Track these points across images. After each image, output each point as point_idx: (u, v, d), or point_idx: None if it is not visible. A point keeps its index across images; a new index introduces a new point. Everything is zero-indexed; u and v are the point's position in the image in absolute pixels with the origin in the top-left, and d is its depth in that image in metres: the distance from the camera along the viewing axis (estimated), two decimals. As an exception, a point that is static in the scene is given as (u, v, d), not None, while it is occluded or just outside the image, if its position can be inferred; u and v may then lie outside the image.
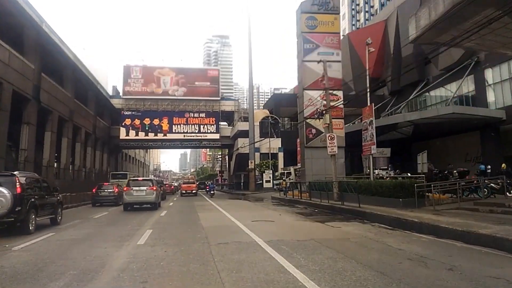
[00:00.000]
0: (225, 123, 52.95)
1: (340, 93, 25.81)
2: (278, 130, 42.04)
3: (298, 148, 27.59)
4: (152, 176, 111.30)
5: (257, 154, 41.87)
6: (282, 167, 39.21)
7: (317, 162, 25.18)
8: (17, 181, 10.03)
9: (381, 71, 39.23)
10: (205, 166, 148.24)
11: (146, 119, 47.66)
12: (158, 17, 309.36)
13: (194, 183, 40.62)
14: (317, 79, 24.98)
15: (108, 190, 23.46)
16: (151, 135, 47.52)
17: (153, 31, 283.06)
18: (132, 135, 47.00)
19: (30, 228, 10.24)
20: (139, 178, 22.12)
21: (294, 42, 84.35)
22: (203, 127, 48.34)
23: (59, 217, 12.82)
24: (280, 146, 42.09)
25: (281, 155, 41.79)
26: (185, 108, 48.97)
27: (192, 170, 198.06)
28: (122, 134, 47.01)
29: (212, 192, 36.90)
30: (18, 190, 9.88)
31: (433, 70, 33.75)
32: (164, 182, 50.31)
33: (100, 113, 44.04)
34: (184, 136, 47.88)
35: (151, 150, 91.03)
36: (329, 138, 18.63)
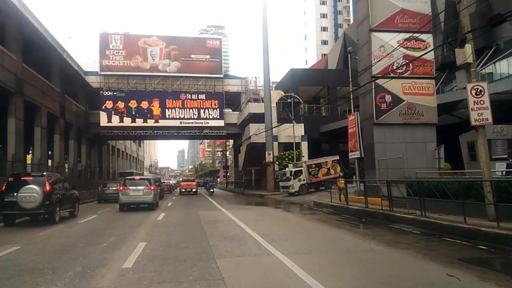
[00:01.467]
0: (229, 109, 43.05)
1: (429, 39, 16.13)
2: (301, 114, 32.40)
3: (351, 130, 17.96)
4: (148, 173, 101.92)
5: (275, 144, 32.19)
6: (306, 160, 29.59)
7: (394, 149, 15.58)
8: (46, 180, 12.47)
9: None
10: (203, 162, 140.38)
11: (132, 101, 37.93)
12: (151, 7, 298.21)
13: (194, 181, 36.91)
14: (393, 14, 15.54)
15: (113, 188, 23.99)
16: (139, 122, 37.82)
17: (145, 21, 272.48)
18: (115, 121, 37.27)
19: (56, 219, 12.65)
20: (136, 177, 20.54)
21: (296, 29, 73.61)
22: (204, 112, 38.68)
23: (76, 211, 15.21)
24: (303, 133, 32.45)
25: (304, 145, 32.22)
26: (180, 87, 39.22)
27: (190, 167, 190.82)
28: (103, 120, 37.28)
29: (211, 190, 34.66)
30: (47, 188, 12.24)
31: (506, 31, 24.44)
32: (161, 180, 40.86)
33: (73, 94, 34.33)
34: (181, 123, 38.25)
35: (144, 144, 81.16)
36: (474, 91, 9.01)
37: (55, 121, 29.35)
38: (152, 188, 17.71)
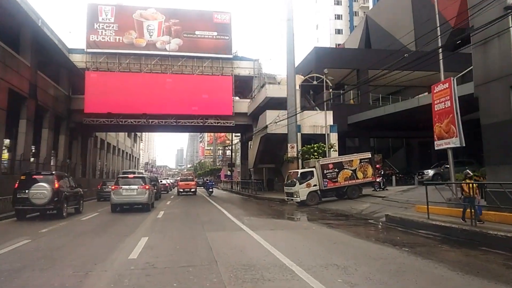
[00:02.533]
0: (236, 97, 36.54)
1: None
2: (328, 99, 26.02)
3: (441, 106, 11.73)
4: (144, 171, 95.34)
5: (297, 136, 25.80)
6: (337, 156, 23.18)
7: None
8: (55, 179, 13.52)
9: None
10: (202, 161, 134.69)
11: (124, 85, 31.39)
12: None
13: (192, 180, 34.58)
14: None
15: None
16: (131, 109, 31.27)
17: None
18: (102, 108, 30.71)
19: (64, 214, 13.66)
20: (129, 176, 18.16)
21: (306, 19, 66.74)
22: (209, 99, 32.17)
23: (81, 208, 16.23)
24: (332, 123, 26.08)
25: (334, 137, 25.80)
26: (182, 69, 32.83)
27: (189, 166, 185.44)
28: (88, 107, 30.76)
29: (210, 190, 32.95)
30: (56, 185, 13.23)
31: None
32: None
33: (53, 74, 28.01)
34: (177, 111, 31.69)
35: (140, 139, 74.58)
36: None
37: (22, 102, 22.93)
38: (147, 187, 16.48)
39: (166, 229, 10.66)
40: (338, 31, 64.52)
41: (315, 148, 22.57)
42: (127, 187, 16.07)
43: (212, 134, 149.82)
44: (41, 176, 13.54)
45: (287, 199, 19.79)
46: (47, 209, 13.13)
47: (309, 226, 11.31)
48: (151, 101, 31.60)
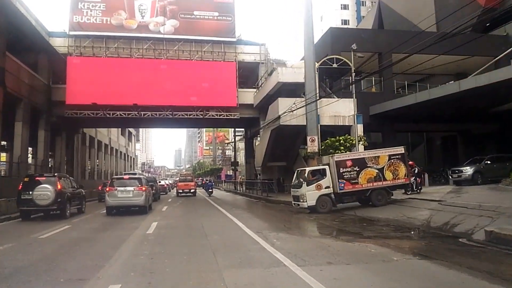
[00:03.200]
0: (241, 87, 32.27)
1: None
2: (353, 84, 21.97)
3: None
4: (140, 171, 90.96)
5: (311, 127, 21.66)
6: (363, 150, 19.02)
7: None
8: (58, 180, 13.87)
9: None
10: (201, 161, 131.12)
11: (112, 72, 27.17)
12: None
13: (192, 181, 32.98)
14: None
15: None
16: (120, 100, 27.03)
17: None
18: (86, 99, 26.45)
19: (67, 214, 14.02)
20: (124, 176, 17.60)
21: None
22: (210, 88, 28.00)
23: (83, 208, 16.59)
24: (356, 112, 21.96)
25: (359, 129, 21.68)
26: (179, 54, 28.62)
27: (187, 166, 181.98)
28: (70, 97, 26.53)
29: (210, 190, 32.18)
30: (59, 187, 13.60)
31: None
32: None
33: (29, 60, 23.89)
34: (173, 103, 27.47)
35: (135, 137, 70.27)
36: None
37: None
38: (144, 188, 15.62)
39: (154, 263, 6.44)
40: (344, 22, 60.48)
41: (341, 141, 18.37)
42: (122, 188, 15.12)
43: (211, 133, 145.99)
44: (44, 178, 13.98)
45: (294, 203, 15.62)
46: (51, 209, 13.55)
47: (381, 253, 7.09)
48: (143, 90, 27.37)
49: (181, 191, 31.20)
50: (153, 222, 12.10)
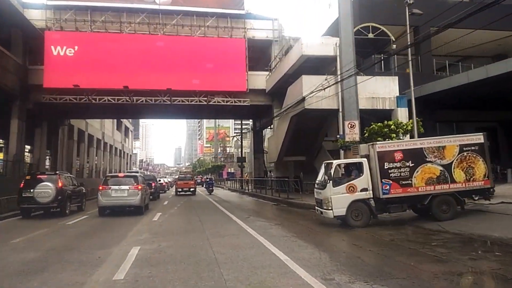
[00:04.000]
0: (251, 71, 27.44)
1: None
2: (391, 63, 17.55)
3: None
4: (137, 169, 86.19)
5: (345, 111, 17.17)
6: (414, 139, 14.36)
7: None
8: (59, 178, 13.87)
9: None
10: (201, 158, 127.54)
11: (98, 50, 22.57)
12: None
13: (192, 179, 31.46)
14: None
15: None
16: (108, 83, 22.44)
17: None
18: (68, 81, 21.81)
19: (67, 212, 13.92)
20: (119, 174, 17.43)
21: None
22: (215, 70, 23.41)
23: (84, 206, 16.38)
24: (397, 93, 17.43)
25: (402, 114, 17.15)
26: (177, 30, 24.02)
27: (187, 164, 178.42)
28: (49, 80, 21.93)
29: (210, 188, 31.04)
30: (60, 185, 13.59)
31: None
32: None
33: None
34: (170, 88, 22.82)
35: (132, 132, 65.53)
36: None
37: None
38: (140, 187, 14.25)
39: None
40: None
41: (392, 126, 13.72)
42: (116, 187, 14.11)
43: (211, 130, 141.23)
44: (45, 176, 14.12)
45: (317, 209, 11.07)
46: (51, 207, 13.51)
47: None
48: (136, 72, 22.80)
49: (180, 190, 29.24)
50: (133, 248, 7.41)
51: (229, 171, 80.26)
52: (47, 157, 29.72)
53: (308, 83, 17.41)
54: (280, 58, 23.67)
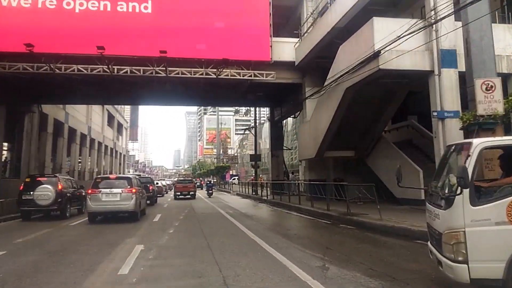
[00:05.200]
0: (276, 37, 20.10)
1: None
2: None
3: None
4: (131, 171, 79.25)
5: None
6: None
7: None
8: (59, 181, 13.64)
9: None
10: (201, 160, 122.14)
11: (64, 1, 15.88)
12: None
13: (191, 182, 29.46)
14: None
15: None
16: (77, 45, 15.68)
17: None
18: (16, 42, 14.91)
19: (67, 214, 13.81)
20: (110, 176, 15.64)
21: None
22: (227, 32, 16.72)
23: (84, 208, 15.09)
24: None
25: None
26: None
27: (186, 166, 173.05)
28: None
29: (210, 191, 29.14)
30: (60, 187, 13.37)
31: None
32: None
33: None
34: (165, 55, 15.89)
35: (126, 130, 58.55)
36: None
37: None
38: (134, 191, 12.68)
39: None
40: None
41: None
42: (107, 191, 12.46)
43: (211, 131, 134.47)
44: (45, 178, 13.96)
45: (432, 253, 4.42)
46: (51, 209, 13.31)
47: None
48: (117, 31, 16.11)
49: (179, 193, 27.19)
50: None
51: (232, 173, 73.77)
52: (4, 151, 22.83)
53: (383, 30, 10.66)
54: (314, 18, 16.99)
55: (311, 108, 17.49)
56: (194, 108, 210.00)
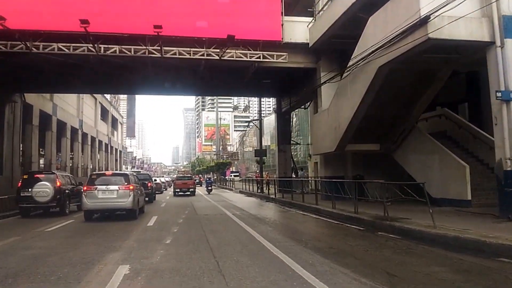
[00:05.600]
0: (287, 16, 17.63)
1: None
2: None
3: None
4: (129, 168, 76.93)
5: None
6: None
7: None
8: (57, 177, 13.60)
9: None
10: (200, 157, 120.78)
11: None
12: None
13: (191, 179, 29.24)
14: None
15: None
16: (57, 21, 13.40)
17: None
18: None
19: (66, 211, 13.68)
20: (107, 172, 15.44)
21: None
22: (231, 7, 14.50)
23: None
24: None
25: None
26: None
27: (185, 163, 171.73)
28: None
29: (209, 188, 29.80)
30: (58, 184, 13.26)
31: None
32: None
33: None
34: (161, 31, 13.55)
35: (122, 125, 56.17)
36: None
37: None
38: (131, 187, 11.99)
39: None
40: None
41: None
42: (104, 187, 11.81)
43: (210, 127, 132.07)
44: (43, 175, 13.94)
45: None
46: (50, 206, 13.26)
47: None
48: (105, 5, 13.88)
49: (178, 190, 26.68)
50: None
51: (232, 170, 71.64)
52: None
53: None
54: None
55: (327, 95, 15.32)
56: (192, 105, 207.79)
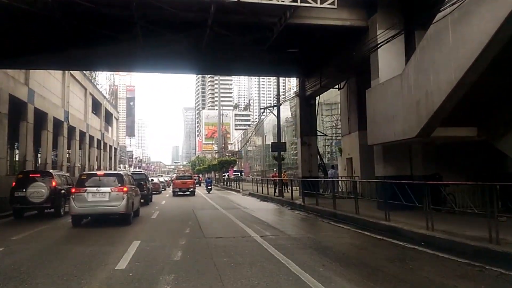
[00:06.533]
0: None
1: None
2: None
3: None
4: (127, 167, 72.08)
5: None
6: None
7: None
8: (53, 178, 12.92)
9: None
10: (200, 156, 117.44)
11: None
12: None
13: (191, 178, 28.14)
14: None
15: None
16: None
17: None
18: None
19: (61, 212, 12.94)
20: (98, 173, 12.93)
21: None
22: None
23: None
24: None
25: None
26: None
27: (185, 162, 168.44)
28: None
29: (209, 187, 29.62)
30: (54, 184, 12.66)
31: None
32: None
33: None
34: None
35: (117, 120, 51.23)
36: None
37: None
38: (125, 189, 10.66)
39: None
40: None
41: None
42: (94, 189, 10.49)
43: (210, 126, 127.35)
44: (38, 175, 13.30)
45: None
46: (45, 207, 12.79)
47: None
48: None
49: (178, 190, 26.07)
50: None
51: (235, 169, 67.10)
52: None
53: None
54: None
55: (387, 61, 10.56)
56: (191, 104, 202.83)
